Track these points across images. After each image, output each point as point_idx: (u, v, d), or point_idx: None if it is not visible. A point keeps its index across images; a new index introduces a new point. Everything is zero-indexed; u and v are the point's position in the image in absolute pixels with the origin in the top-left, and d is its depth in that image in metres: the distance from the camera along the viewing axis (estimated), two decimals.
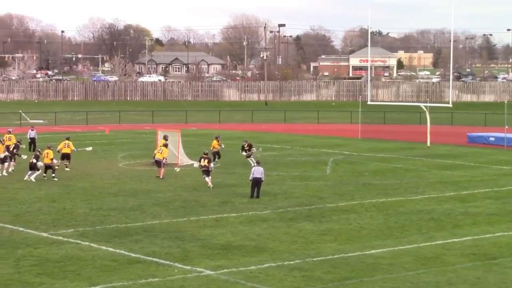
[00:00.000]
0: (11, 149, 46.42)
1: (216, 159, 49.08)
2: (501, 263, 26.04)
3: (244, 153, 49.46)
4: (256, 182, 37.83)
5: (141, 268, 24.64)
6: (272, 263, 25.44)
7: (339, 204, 36.26)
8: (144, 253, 26.56)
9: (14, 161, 46.23)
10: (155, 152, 45.39)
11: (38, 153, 43.31)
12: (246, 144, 49.51)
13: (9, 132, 51.26)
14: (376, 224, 31.82)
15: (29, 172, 42.53)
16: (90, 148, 50.53)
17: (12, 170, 45.30)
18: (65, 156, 46.46)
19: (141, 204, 35.83)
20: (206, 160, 40.92)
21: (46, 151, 43.03)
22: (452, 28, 75.44)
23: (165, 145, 45.32)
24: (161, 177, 43.19)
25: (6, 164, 44.93)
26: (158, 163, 44.07)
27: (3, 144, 45.86)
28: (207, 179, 40.69)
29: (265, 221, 32.29)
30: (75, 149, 47.30)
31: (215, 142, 50.28)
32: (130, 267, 24.74)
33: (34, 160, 42.48)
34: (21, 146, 48.09)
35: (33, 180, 41.94)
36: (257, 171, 37.95)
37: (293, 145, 63.37)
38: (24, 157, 46.29)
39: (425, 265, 25.57)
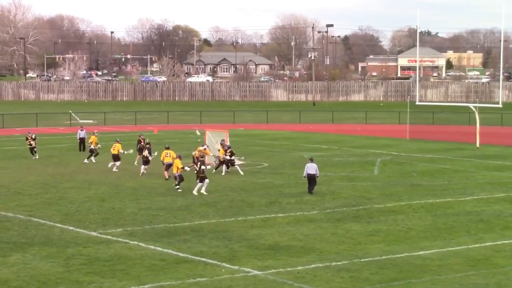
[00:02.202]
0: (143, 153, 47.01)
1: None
2: None
3: (235, 157, 45.52)
4: (311, 179, 38.63)
5: (189, 268, 24.78)
6: (320, 264, 25.42)
7: (387, 205, 36.10)
8: (192, 252, 26.71)
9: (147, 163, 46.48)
10: (162, 156, 44.54)
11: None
12: (229, 150, 45.76)
13: (95, 134, 52.85)
14: (424, 225, 31.63)
15: (199, 184, 39.01)
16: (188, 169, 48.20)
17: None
18: (168, 166, 44.20)
19: (189, 204, 36.02)
20: (146, 151, 45.50)
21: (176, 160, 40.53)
22: (502, 28, 74.85)
23: (167, 148, 44.92)
24: (166, 177, 43.52)
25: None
26: (170, 166, 43.60)
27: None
28: (142, 167, 45.44)
29: (313, 221, 32.28)
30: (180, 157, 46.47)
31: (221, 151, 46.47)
32: (178, 267, 24.90)
33: (187, 168, 39.78)
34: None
35: (204, 192, 38.58)
36: (311, 168, 38.80)
37: (340, 145, 63.21)
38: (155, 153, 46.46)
39: (474, 267, 25.35)
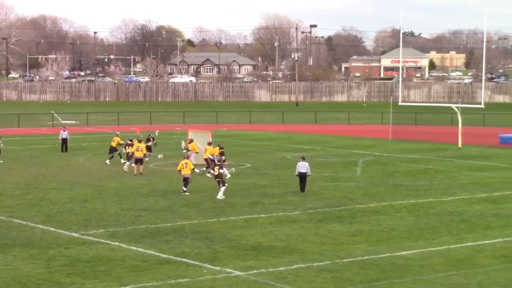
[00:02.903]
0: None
1: (205, 168, 45.59)
2: None
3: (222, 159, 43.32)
4: (302, 177, 39.08)
5: (171, 269, 24.72)
6: (302, 264, 25.43)
7: (369, 205, 36.16)
8: (174, 253, 26.66)
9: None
10: (132, 150, 46.08)
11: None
12: (220, 151, 45.14)
13: (118, 135, 51.83)
14: (407, 226, 31.70)
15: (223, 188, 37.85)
16: (161, 156, 50.92)
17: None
18: (138, 161, 45.68)
19: (171, 204, 35.96)
20: (131, 147, 46.45)
21: (185, 161, 39.17)
22: (485, 29, 75.11)
23: (140, 141, 46.49)
24: (140, 172, 45.16)
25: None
26: (140, 161, 45.58)
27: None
28: (127, 162, 46.63)
29: (295, 222, 32.28)
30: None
31: (209, 149, 46.01)
32: (160, 268, 24.84)
33: (197, 171, 40.06)
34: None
35: (221, 196, 37.28)
36: (302, 166, 39.28)
37: (323, 146, 63.27)
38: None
39: (456, 267, 25.42)
